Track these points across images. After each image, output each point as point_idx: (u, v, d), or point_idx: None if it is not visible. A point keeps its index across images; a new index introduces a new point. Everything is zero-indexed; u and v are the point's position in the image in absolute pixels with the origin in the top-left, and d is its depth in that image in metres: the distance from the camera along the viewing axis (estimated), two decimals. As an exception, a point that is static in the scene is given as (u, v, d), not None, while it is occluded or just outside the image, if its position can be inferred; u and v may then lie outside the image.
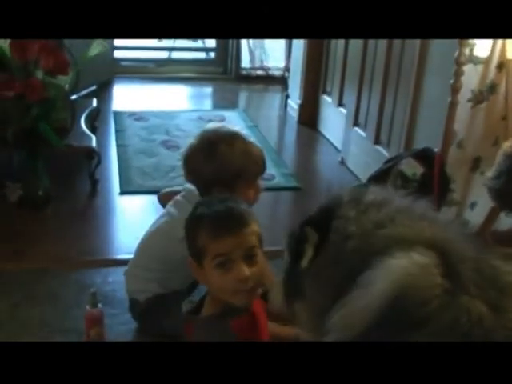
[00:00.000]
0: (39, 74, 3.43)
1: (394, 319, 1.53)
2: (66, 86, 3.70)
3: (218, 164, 2.60)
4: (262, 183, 2.78)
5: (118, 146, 4.86)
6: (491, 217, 3.39)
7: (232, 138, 2.69)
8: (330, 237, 1.72)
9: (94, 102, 4.82)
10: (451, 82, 3.23)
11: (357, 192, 1.81)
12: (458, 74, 3.20)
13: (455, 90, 3.24)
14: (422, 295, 1.52)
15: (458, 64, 3.18)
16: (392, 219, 1.68)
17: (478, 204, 3.50)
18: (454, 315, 1.50)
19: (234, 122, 5.33)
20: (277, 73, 6.92)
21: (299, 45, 5.54)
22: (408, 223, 1.68)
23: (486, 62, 3.23)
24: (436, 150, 3.31)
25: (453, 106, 3.28)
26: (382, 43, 4.11)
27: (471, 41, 3.16)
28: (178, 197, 2.78)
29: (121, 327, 2.76)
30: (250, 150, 2.70)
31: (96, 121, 4.79)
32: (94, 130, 4.54)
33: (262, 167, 2.75)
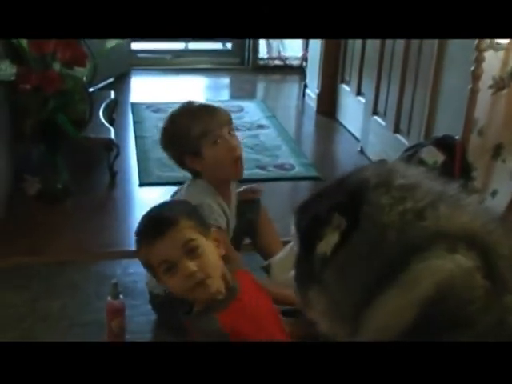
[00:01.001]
0: (57, 66, 3.43)
1: (433, 321, 1.47)
2: (84, 78, 3.70)
3: (170, 135, 2.65)
4: (238, 142, 2.70)
5: (137, 137, 4.86)
6: (514, 204, 3.34)
7: (177, 108, 2.71)
8: (359, 225, 1.60)
9: (112, 94, 4.82)
10: (472, 68, 3.18)
11: (383, 174, 1.66)
12: (479, 60, 3.15)
13: (476, 77, 3.19)
14: (463, 297, 1.45)
15: (479, 51, 3.13)
16: (432, 209, 1.56)
17: (500, 192, 3.46)
18: (499, 316, 1.43)
19: (252, 112, 5.32)
20: (294, 62, 6.88)
21: (317, 34, 5.50)
22: (447, 214, 1.56)
23: (508, 48, 3.19)
24: (457, 137, 3.27)
25: (473, 93, 3.23)
26: (401, 31, 4.07)
27: (492, 27, 3.11)
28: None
29: (141, 318, 2.76)
30: (192, 108, 2.68)
31: (114, 113, 4.78)
32: (112, 122, 4.53)
33: (218, 121, 2.64)
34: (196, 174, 2.67)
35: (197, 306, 2.09)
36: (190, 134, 2.58)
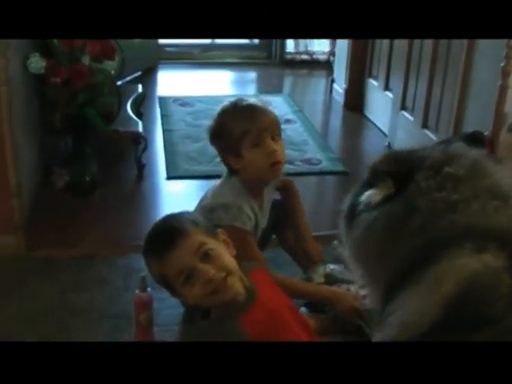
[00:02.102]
0: (86, 60, 3.44)
1: (456, 321, 1.46)
2: (112, 72, 3.71)
3: (216, 133, 2.62)
4: (280, 147, 2.61)
5: (164, 131, 4.87)
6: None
7: (225, 105, 2.66)
8: (400, 199, 1.60)
9: (140, 88, 4.83)
10: (502, 64, 3.16)
11: (442, 157, 1.63)
12: (509, 57, 3.12)
13: (506, 73, 3.16)
14: (488, 297, 1.44)
15: (510, 47, 3.11)
16: (468, 203, 1.53)
17: (530, 188, 3.43)
18: None
19: (278, 107, 5.30)
20: (321, 57, 6.86)
21: (345, 28, 5.47)
22: (485, 210, 1.53)
23: (539, 44, 3.16)
24: (486, 133, 3.25)
25: (503, 89, 3.20)
26: (430, 25, 4.04)
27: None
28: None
29: (169, 311, 2.76)
30: (244, 111, 2.60)
31: (141, 106, 4.80)
32: (139, 115, 4.55)
33: (257, 117, 2.57)
34: (233, 172, 2.65)
35: (216, 310, 2.07)
36: (231, 134, 2.55)
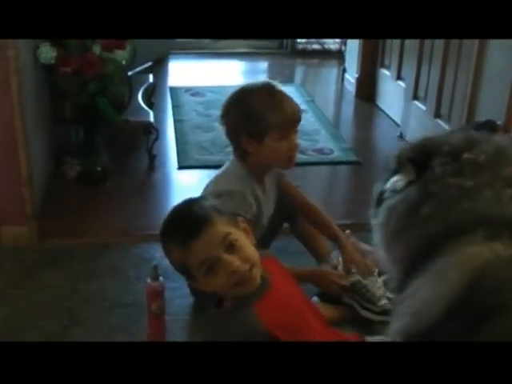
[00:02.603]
0: (97, 50, 3.43)
1: (467, 308, 1.44)
2: (123, 62, 3.70)
3: (242, 113, 2.54)
4: (298, 140, 2.62)
5: (175, 121, 4.87)
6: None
7: (259, 88, 2.59)
8: (418, 184, 1.60)
9: (151, 78, 4.82)
10: (515, 53, 3.14)
11: (461, 142, 1.61)
12: (523, 44, 3.11)
13: (520, 61, 3.15)
14: (498, 286, 1.42)
15: (523, 34, 3.08)
16: (483, 190, 1.51)
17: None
18: None
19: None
20: (333, 47, 6.85)
21: (356, 18, 5.45)
22: (499, 199, 1.50)
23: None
24: (499, 122, 3.23)
25: (517, 77, 3.19)
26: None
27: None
28: None
29: (181, 300, 2.76)
30: (276, 98, 2.56)
31: (152, 96, 4.79)
32: (150, 105, 4.54)
33: (291, 115, 2.56)
34: (241, 155, 2.61)
35: (229, 299, 2.04)
36: (260, 119, 2.50)
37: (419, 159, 1.61)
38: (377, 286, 2.67)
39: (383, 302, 2.64)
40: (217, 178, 2.67)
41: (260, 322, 1.94)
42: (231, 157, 2.69)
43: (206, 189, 2.68)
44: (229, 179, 2.60)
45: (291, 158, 2.59)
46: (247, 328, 1.93)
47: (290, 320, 2.02)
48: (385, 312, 2.58)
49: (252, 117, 2.51)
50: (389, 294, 2.64)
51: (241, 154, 2.61)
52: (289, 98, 2.59)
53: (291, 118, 2.55)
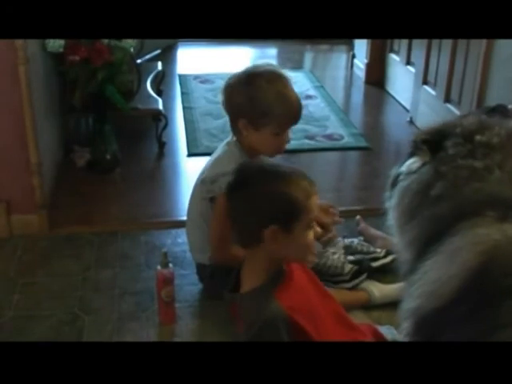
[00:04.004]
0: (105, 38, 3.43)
1: (477, 290, 1.44)
2: (132, 50, 3.70)
3: (247, 96, 2.53)
4: (290, 134, 2.63)
5: (184, 108, 4.86)
6: None
7: (270, 75, 2.57)
8: (431, 165, 1.63)
9: (159, 66, 4.82)
10: (525, 35, 3.11)
11: (474, 125, 1.63)
12: (533, 27, 3.08)
13: (529, 44, 3.13)
14: (508, 266, 1.42)
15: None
16: (492, 171, 1.52)
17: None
18: None
19: (300, 82, 5.27)
20: (342, 32, 6.80)
21: (365, 3, 5.42)
22: (509, 179, 1.52)
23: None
24: (510, 106, 3.21)
25: (527, 61, 3.17)
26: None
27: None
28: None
29: (191, 287, 2.77)
30: (285, 93, 2.54)
31: (161, 84, 4.79)
32: (159, 93, 4.54)
33: (294, 115, 2.58)
34: (238, 135, 2.63)
35: (255, 281, 2.03)
36: (261, 107, 2.50)
37: (434, 141, 1.62)
38: (332, 257, 2.71)
39: (347, 267, 2.70)
40: (212, 162, 2.67)
41: (281, 307, 1.95)
42: (226, 141, 2.71)
43: (202, 173, 2.69)
44: (224, 162, 2.59)
45: (280, 150, 2.63)
46: (270, 311, 1.94)
47: (306, 307, 2.04)
48: (355, 274, 2.69)
49: (256, 106, 2.51)
50: (349, 257, 2.77)
51: (236, 133, 2.63)
52: (293, 93, 2.58)
53: (292, 117, 2.57)
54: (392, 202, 1.74)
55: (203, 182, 2.62)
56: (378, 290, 2.66)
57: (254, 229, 1.99)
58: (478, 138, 1.57)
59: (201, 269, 2.75)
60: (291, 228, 1.97)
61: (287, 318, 1.93)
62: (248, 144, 2.60)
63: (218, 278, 2.60)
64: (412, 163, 1.67)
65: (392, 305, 2.50)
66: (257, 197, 1.98)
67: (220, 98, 2.68)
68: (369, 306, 2.64)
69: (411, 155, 1.71)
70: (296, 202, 1.96)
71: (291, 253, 2.05)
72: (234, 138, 2.64)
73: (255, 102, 2.51)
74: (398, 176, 1.74)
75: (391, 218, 1.77)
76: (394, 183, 1.75)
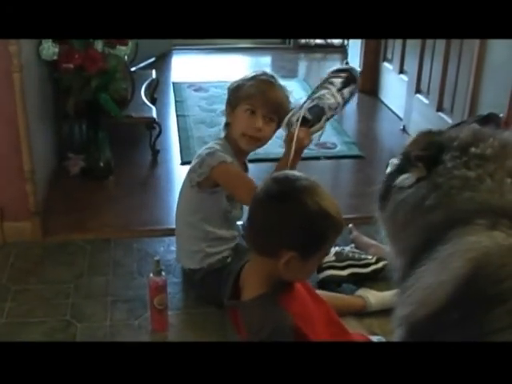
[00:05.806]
0: (99, 45, 3.44)
1: (468, 297, 1.45)
2: (126, 58, 3.71)
3: (236, 89, 2.75)
4: (270, 131, 2.73)
5: (178, 116, 4.87)
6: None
7: (261, 71, 2.79)
8: (427, 179, 1.63)
9: (153, 74, 4.83)
10: (517, 45, 3.14)
11: (469, 138, 1.63)
12: (525, 37, 3.10)
13: (521, 54, 3.14)
14: (499, 275, 1.42)
15: (525, 27, 3.08)
16: (483, 180, 1.54)
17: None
18: None
19: (293, 91, 5.26)
20: (336, 41, 6.83)
21: (359, 12, 5.44)
22: (501, 188, 1.53)
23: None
24: (501, 115, 3.22)
25: (519, 70, 3.19)
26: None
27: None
28: None
29: (183, 295, 2.78)
30: (265, 83, 2.72)
31: (155, 92, 4.80)
32: (153, 101, 4.55)
33: (267, 100, 2.69)
34: (226, 128, 2.79)
35: (259, 289, 2.02)
36: (240, 89, 2.70)
37: (430, 156, 1.63)
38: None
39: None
40: (201, 152, 2.73)
41: (288, 314, 1.97)
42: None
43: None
44: (212, 147, 2.70)
45: (251, 139, 2.69)
46: (279, 318, 1.96)
47: (306, 314, 2.07)
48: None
49: (238, 87, 2.73)
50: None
51: (225, 125, 2.80)
52: (276, 85, 2.75)
53: (264, 98, 2.67)
54: (385, 214, 1.75)
55: (191, 170, 2.70)
56: (374, 297, 2.67)
57: (275, 244, 1.96)
58: (472, 150, 1.59)
59: (190, 274, 2.76)
60: (308, 257, 1.97)
61: (293, 325, 1.95)
62: (231, 133, 2.73)
63: (210, 281, 2.63)
64: (405, 179, 1.68)
65: (383, 312, 2.52)
66: (294, 218, 1.93)
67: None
68: (363, 312, 2.66)
69: (402, 169, 1.71)
70: (326, 238, 1.97)
71: (296, 276, 2.06)
72: (223, 134, 2.78)
73: (238, 85, 2.73)
74: (388, 188, 1.74)
75: (383, 229, 1.78)
76: (385, 196, 1.75)
